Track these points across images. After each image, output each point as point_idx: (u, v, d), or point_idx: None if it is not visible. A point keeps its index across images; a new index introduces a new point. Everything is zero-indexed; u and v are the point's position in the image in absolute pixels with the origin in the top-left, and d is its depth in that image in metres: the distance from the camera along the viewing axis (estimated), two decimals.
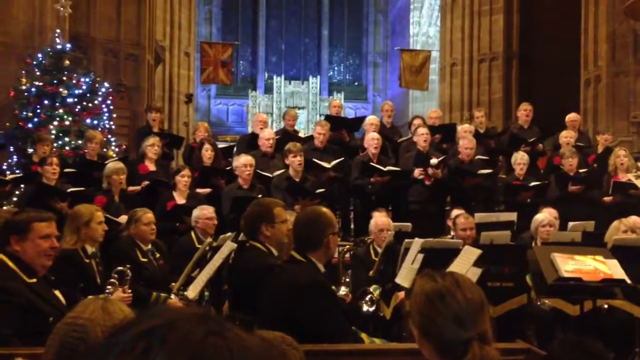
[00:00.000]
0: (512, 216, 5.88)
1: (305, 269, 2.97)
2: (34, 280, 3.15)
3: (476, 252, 3.88)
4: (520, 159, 7.19)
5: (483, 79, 11.86)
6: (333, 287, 4.24)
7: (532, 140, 7.94)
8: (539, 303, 4.64)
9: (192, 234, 5.54)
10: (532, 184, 6.95)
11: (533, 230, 5.32)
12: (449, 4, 12.38)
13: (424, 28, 16.67)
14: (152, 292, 4.70)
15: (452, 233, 5.51)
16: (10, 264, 3.11)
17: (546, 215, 5.42)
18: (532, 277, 4.16)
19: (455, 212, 5.75)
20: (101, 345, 0.72)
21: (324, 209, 3.28)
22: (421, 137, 7.37)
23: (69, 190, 6.20)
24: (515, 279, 4.49)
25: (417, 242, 4.42)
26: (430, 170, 7.02)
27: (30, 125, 7.96)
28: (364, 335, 3.11)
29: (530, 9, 11.69)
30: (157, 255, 5.10)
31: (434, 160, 7.00)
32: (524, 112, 8.54)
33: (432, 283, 1.75)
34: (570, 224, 5.66)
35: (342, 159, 7.29)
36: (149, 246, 5.04)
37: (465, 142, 7.35)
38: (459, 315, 1.67)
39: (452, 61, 12.22)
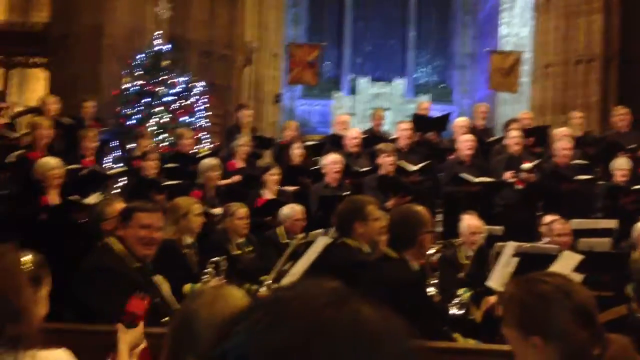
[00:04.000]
0: (612, 223, 5.63)
1: (401, 267, 2.98)
2: (138, 264, 3.34)
3: (577, 258, 3.76)
4: (622, 164, 6.81)
5: (579, 82, 11.38)
6: None
7: (631, 146, 7.53)
8: (639, 315, 4.43)
9: (280, 229, 5.68)
10: (636, 187, 6.56)
11: (635, 239, 5.07)
12: (543, 4, 11.97)
13: (515, 29, 16.20)
14: (244, 285, 4.85)
15: (546, 239, 5.35)
16: (118, 247, 3.32)
17: None
18: (634, 287, 3.98)
19: (549, 217, 5.57)
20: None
21: (419, 207, 3.28)
22: (513, 140, 7.18)
23: (166, 183, 6.50)
24: (614, 288, 4.31)
25: (510, 246, 4.33)
26: (522, 175, 6.83)
27: (130, 123, 8.41)
28: (457, 336, 3.09)
29: (631, 9, 11.13)
30: (250, 249, 5.27)
31: (526, 165, 6.79)
32: (618, 118, 8.04)
33: (545, 285, 1.72)
34: None
35: (429, 162, 7.20)
36: (242, 240, 5.21)
37: (562, 144, 7.06)
38: (587, 311, 1.64)
39: (545, 63, 11.82)
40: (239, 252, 5.07)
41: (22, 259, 2.07)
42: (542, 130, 8.30)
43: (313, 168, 7.26)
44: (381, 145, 6.94)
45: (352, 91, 20.22)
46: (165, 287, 3.61)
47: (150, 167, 6.60)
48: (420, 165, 7.00)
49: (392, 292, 2.83)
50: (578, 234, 5.09)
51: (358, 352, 0.69)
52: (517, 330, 1.71)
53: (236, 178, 6.95)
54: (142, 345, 2.46)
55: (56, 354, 1.98)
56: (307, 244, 4.57)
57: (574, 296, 1.67)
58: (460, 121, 8.20)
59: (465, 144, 7.13)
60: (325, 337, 0.69)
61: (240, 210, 5.17)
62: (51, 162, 5.51)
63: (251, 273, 5.02)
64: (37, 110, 8.00)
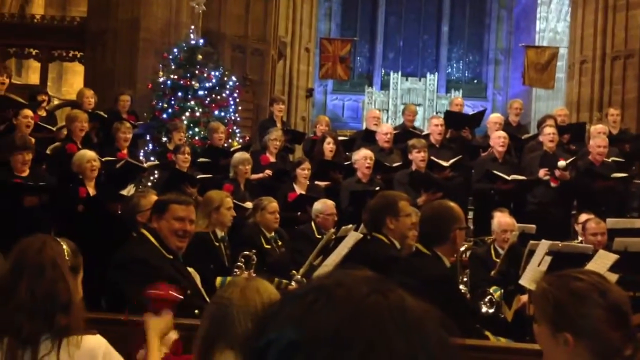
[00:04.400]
0: None
1: (434, 263, 2.97)
2: (171, 256, 3.39)
3: (612, 257, 3.70)
4: None
5: (616, 78, 11.13)
6: None
7: None
8: None
9: (313, 224, 5.70)
10: None
11: None
12: None
13: (552, 24, 15.93)
14: (274, 279, 4.89)
15: (580, 238, 5.27)
16: (152, 239, 3.38)
17: None
18: None
19: (584, 216, 5.48)
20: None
21: (452, 204, 3.25)
22: (548, 137, 7.07)
23: (199, 177, 6.59)
24: None
25: (544, 244, 4.28)
26: (557, 173, 6.72)
27: (164, 116, 8.52)
28: (488, 334, 3.07)
29: None
30: (280, 243, 5.30)
31: (562, 163, 6.67)
32: None
33: (580, 283, 1.70)
34: None
35: (460, 157, 7.13)
36: (273, 234, 5.25)
37: (598, 142, 6.92)
38: (621, 309, 1.63)
39: (582, 58, 11.58)
40: (269, 246, 5.10)
41: (63, 250, 2.13)
42: (578, 127, 8.16)
43: (345, 163, 7.26)
44: (413, 141, 6.91)
45: (384, 86, 20.14)
46: (197, 279, 3.66)
47: (183, 160, 6.69)
48: (452, 160, 6.94)
49: (424, 288, 2.81)
50: (613, 233, 4.99)
51: (405, 336, 0.71)
52: (548, 327, 1.70)
53: (267, 173, 6.99)
54: (174, 336, 2.51)
55: (95, 339, 2.05)
56: (338, 239, 4.59)
57: (608, 295, 1.65)
58: (494, 117, 8.10)
59: (497, 141, 7.04)
60: (374, 322, 0.71)
61: (271, 204, 5.21)
62: (87, 155, 5.64)
63: (281, 267, 5.06)
64: (75, 104, 8.17)
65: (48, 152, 6.33)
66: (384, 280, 0.77)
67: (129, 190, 5.69)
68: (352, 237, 4.04)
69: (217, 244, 4.71)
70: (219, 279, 4.34)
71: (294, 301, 0.75)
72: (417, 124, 10.57)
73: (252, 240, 5.03)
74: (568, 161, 6.76)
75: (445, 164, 6.90)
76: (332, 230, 5.10)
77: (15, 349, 1.95)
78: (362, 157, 6.64)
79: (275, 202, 5.28)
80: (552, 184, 6.80)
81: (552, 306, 1.70)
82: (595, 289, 1.66)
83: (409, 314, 0.73)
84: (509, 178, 6.74)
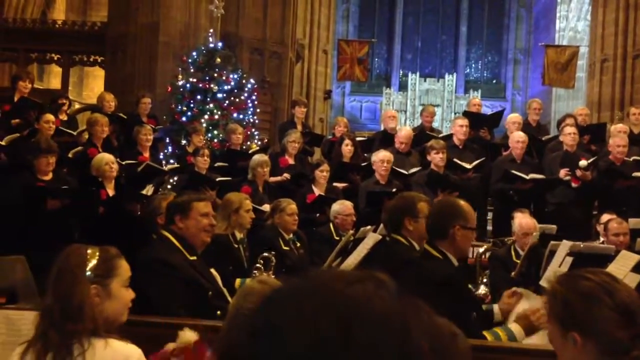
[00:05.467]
0: None
1: (438, 265, 2.91)
2: (194, 257, 3.43)
3: (635, 258, 3.65)
4: None
5: (637, 77, 10.99)
6: (470, 286, 4.19)
7: None
8: None
9: (331, 225, 5.71)
10: None
11: None
12: None
13: (572, 22, 15.77)
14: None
15: (602, 238, 5.21)
16: (175, 240, 3.42)
17: None
18: None
19: (606, 216, 5.41)
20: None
21: (459, 201, 3.19)
22: (568, 136, 7.00)
23: (218, 179, 6.64)
24: None
25: (565, 245, 4.24)
26: (578, 173, 6.65)
27: (184, 119, 8.59)
28: (486, 333, 3.00)
29: None
30: (298, 245, 5.31)
31: (583, 162, 6.61)
32: None
33: (588, 282, 1.72)
34: None
35: (483, 158, 7.09)
36: (291, 235, 5.27)
37: (618, 140, 6.84)
38: (629, 309, 1.63)
39: (602, 57, 11.46)
40: (287, 248, 5.12)
41: (87, 257, 2.18)
42: (598, 128, 8.07)
43: (363, 164, 7.26)
44: (432, 142, 6.89)
45: (402, 87, 20.08)
46: (219, 280, 3.69)
47: (202, 162, 6.74)
48: (475, 162, 6.90)
49: (429, 291, 2.76)
50: (635, 233, 4.93)
51: (392, 338, 0.71)
52: (557, 326, 1.72)
53: (285, 176, 7.02)
54: (196, 337, 2.53)
55: (127, 348, 2.10)
56: (357, 241, 4.60)
57: (616, 295, 1.67)
58: (513, 117, 8.04)
59: (516, 145, 6.99)
60: (362, 315, 0.72)
61: (290, 206, 5.23)
62: (105, 157, 5.73)
63: (300, 269, 5.08)
64: (95, 107, 8.27)
65: (70, 155, 6.42)
66: (365, 272, 0.78)
67: (147, 190, 5.76)
68: (371, 238, 4.04)
69: (236, 245, 4.74)
70: (238, 280, 4.37)
71: (290, 288, 0.77)
72: (435, 124, 10.52)
73: (270, 242, 5.05)
74: (589, 161, 6.69)
75: (468, 166, 6.85)
76: (351, 231, 5.10)
77: (42, 354, 2.03)
78: (380, 159, 6.64)
79: (294, 204, 5.30)
80: (573, 184, 6.73)
81: (561, 305, 1.72)
82: (603, 289, 1.68)
83: (392, 312, 0.73)
84: (528, 177, 6.69)
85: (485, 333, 2.94)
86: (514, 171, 6.74)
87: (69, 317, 2.04)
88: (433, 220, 3.06)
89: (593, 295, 1.67)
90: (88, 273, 2.14)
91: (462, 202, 3.10)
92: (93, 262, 2.17)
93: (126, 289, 2.27)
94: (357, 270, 0.80)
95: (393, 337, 0.72)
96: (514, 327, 2.96)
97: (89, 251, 2.19)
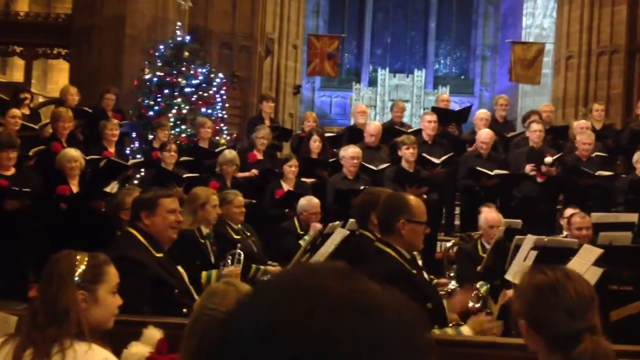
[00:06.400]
0: (633, 217, 5.56)
1: (383, 261, 2.88)
2: (161, 254, 3.39)
3: (597, 252, 3.73)
4: None
5: (602, 73, 11.22)
6: (434, 278, 4.22)
7: None
8: None
9: (295, 220, 5.71)
10: None
11: None
12: None
13: (538, 20, 16.00)
14: (251, 265, 4.90)
15: (566, 232, 5.31)
16: (141, 238, 3.37)
17: None
18: None
19: (569, 210, 5.52)
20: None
21: (405, 195, 3.16)
22: (534, 133, 7.11)
23: (185, 175, 6.57)
24: (635, 282, 4.27)
25: (529, 239, 4.31)
26: (543, 168, 6.77)
27: (151, 113, 8.47)
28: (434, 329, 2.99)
29: None
30: (248, 234, 5.31)
31: (548, 159, 6.73)
32: None
33: (543, 276, 1.79)
34: None
35: (452, 154, 7.15)
36: (239, 226, 5.26)
37: (584, 138, 7.00)
38: (571, 307, 1.71)
39: (568, 54, 11.66)
40: (239, 237, 5.11)
41: (77, 262, 2.20)
42: (561, 129, 8.18)
43: (331, 160, 7.25)
44: (403, 138, 6.92)
45: (372, 83, 20.13)
46: (185, 277, 3.65)
47: (169, 157, 6.66)
48: (444, 158, 6.95)
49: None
50: (598, 227, 5.03)
51: (357, 321, 0.70)
52: (524, 320, 1.78)
53: (253, 172, 6.99)
54: (159, 335, 2.49)
55: (108, 355, 2.12)
56: (326, 236, 4.60)
57: (562, 294, 1.72)
58: (480, 113, 8.13)
59: (481, 145, 7.08)
60: (338, 309, 0.71)
61: (237, 198, 5.24)
62: (69, 154, 5.61)
63: (255, 255, 5.09)
64: (59, 101, 8.10)
65: (30, 154, 6.23)
66: (352, 269, 0.77)
67: (112, 188, 5.66)
68: (339, 233, 4.04)
69: (202, 240, 4.69)
70: (204, 274, 4.35)
71: (265, 289, 0.76)
72: (405, 119, 10.57)
73: (219, 232, 5.01)
74: (554, 157, 6.81)
75: (436, 161, 6.91)
76: (320, 226, 5.10)
77: (20, 350, 2.05)
78: (349, 155, 6.64)
79: (241, 196, 5.31)
80: (538, 179, 6.85)
81: (521, 300, 1.80)
82: (551, 287, 1.73)
83: (365, 298, 0.73)
84: (492, 173, 6.78)
85: (435, 331, 2.92)
86: (478, 167, 6.82)
87: (53, 321, 2.06)
88: (379, 215, 3.03)
89: (543, 291, 1.74)
90: (76, 279, 2.17)
91: (409, 196, 3.07)
92: (82, 268, 2.20)
93: (113, 296, 2.27)
94: (332, 265, 0.78)
95: (398, 331, 0.72)
96: (464, 329, 2.96)
97: (78, 257, 2.21)
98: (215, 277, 4.31)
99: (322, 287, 0.73)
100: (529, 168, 6.86)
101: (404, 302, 0.76)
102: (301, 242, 5.22)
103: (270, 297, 0.73)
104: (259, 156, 7.29)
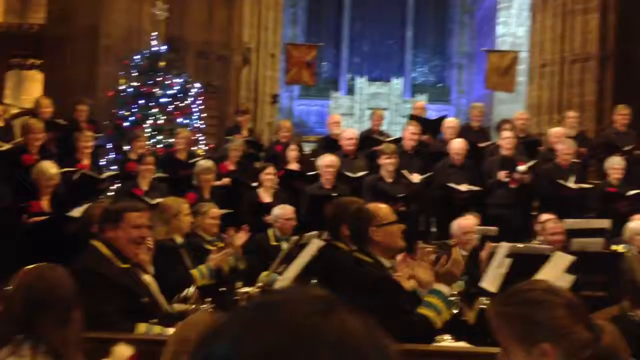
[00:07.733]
0: (605, 223, 5.64)
1: (366, 271, 2.90)
2: (127, 265, 3.34)
3: (568, 259, 3.76)
4: (616, 164, 6.83)
5: (575, 81, 11.38)
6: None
7: (629, 147, 7.53)
8: (631, 314, 4.43)
9: (270, 231, 5.68)
10: (631, 192, 6.59)
11: (627, 239, 5.08)
12: (539, 3, 11.97)
13: (512, 28, 16.21)
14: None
15: (540, 238, 5.36)
16: (105, 250, 3.32)
17: None
18: (625, 286, 3.98)
19: (544, 216, 5.58)
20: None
21: (371, 204, 3.22)
22: (505, 141, 7.19)
23: (154, 202, 6.38)
24: (607, 288, 4.32)
25: (504, 247, 4.34)
26: (516, 175, 6.83)
27: (126, 124, 8.39)
28: (422, 310, 2.98)
29: (628, 8, 11.12)
30: (222, 245, 5.27)
31: (522, 167, 6.79)
32: (621, 117, 8.10)
33: (533, 292, 1.74)
34: None
35: (431, 173, 7.09)
36: (213, 237, 5.23)
37: (565, 148, 7.07)
38: (577, 303, 1.72)
39: (541, 62, 11.81)
40: (213, 247, 5.08)
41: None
42: (532, 142, 8.23)
43: (311, 173, 7.13)
44: (383, 147, 6.92)
45: (350, 91, 20.21)
46: (154, 286, 3.61)
47: (145, 172, 6.57)
48: (422, 177, 6.89)
49: (364, 297, 2.74)
50: (571, 233, 5.10)
51: None
52: (520, 346, 1.65)
53: (225, 181, 6.96)
54: (131, 351, 2.46)
55: None
56: (302, 246, 4.57)
57: (562, 294, 1.73)
58: (449, 122, 8.16)
59: (456, 147, 7.11)
60: (309, 345, 0.69)
61: (212, 210, 5.24)
62: (50, 171, 5.53)
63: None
64: (32, 113, 8.00)
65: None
66: (332, 300, 0.75)
67: (80, 211, 5.56)
68: (315, 244, 4.03)
69: (178, 250, 4.66)
70: (194, 272, 4.36)
71: (237, 317, 0.74)
72: (382, 128, 10.60)
73: (194, 244, 4.97)
74: (527, 165, 6.87)
75: (415, 180, 6.82)
76: (296, 237, 5.09)
77: None
78: (326, 164, 6.64)
79: (216, 208, 5.30)
80: (511, 185, 6.90)
81: (520, 323, 1.67)
82: (550, 292, 1.72)
83: (350, 339, 0.71)
84: (464, 189, 6.76)
85: (421, 311, 2.92)
86: (450, 184, 6.80)
87: (55, 326, 2.13)
88: (351, 229, 3.06)
89: (545, 300, 1.68)
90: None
91: (372, 205, 3.13)
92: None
93: None
94: (323, 295, 0.76)
95: None
96: (439, 287, 2.97)
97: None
98: (206, 271, 4.36)
99: (295, 320, 0.71)
100: (502, 175, 6.91)
101: (386, 341, 0.74)
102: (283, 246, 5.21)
103: (249, 328, 0.71)
104: (231, 167, 7.27)
